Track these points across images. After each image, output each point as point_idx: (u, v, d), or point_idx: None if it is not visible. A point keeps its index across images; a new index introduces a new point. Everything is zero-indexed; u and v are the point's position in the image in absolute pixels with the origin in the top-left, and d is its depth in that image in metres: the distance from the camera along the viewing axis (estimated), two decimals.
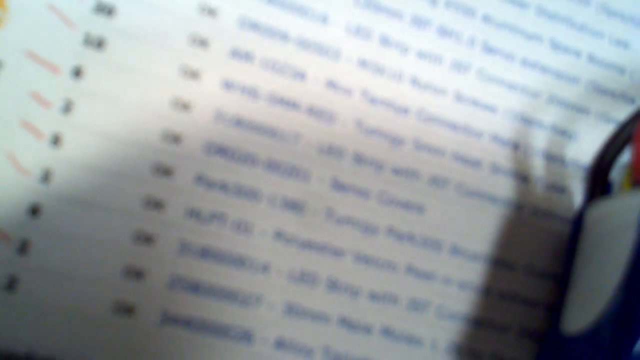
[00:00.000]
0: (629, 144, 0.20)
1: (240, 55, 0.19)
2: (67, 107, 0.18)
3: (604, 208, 0.19)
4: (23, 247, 0.17)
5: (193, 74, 0.19)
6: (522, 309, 0.20)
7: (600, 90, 0.22)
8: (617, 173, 0.20)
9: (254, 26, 0.19)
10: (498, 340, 0.20)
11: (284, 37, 0.20)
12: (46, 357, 0.16)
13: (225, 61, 0.19)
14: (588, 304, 0.18)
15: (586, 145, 0.22)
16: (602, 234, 0.19)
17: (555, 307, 0.20)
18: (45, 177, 0.17)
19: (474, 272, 0.20)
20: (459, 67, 0.21)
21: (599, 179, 0.20)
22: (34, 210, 0.17)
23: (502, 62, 0.21)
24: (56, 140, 0.17)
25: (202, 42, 0.19)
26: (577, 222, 0.20)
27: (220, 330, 0.18)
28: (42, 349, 0.16)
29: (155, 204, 0.18)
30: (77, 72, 0.18)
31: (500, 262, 0.20)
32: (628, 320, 0.16)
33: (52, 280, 0.17)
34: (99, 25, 0.18)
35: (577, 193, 0.21)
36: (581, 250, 0.20)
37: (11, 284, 0.16)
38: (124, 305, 0.17)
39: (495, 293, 0.20)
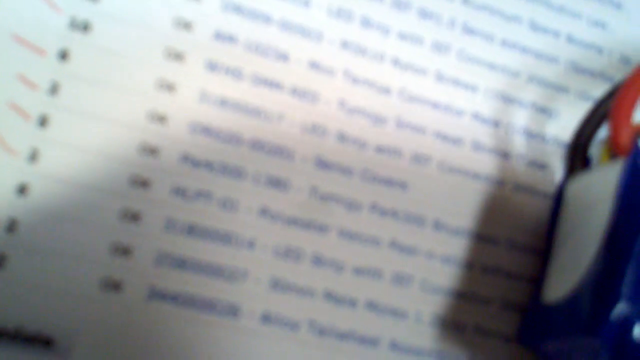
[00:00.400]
0: (606, 120, 0.20)
1: (224, 37, 0.19)
2: (54, 89, 0.18)
3: (583, 181, 0.20)
4: (11, 226, 0.17)
5: (177, 56, 0.19)
6: (504, 282, 0.20)
7: (579, 69, 0.23)
8: (596, 149, 0.21)
9: (237, 9, 0.20)
10: (481, 312, 0.20)
11: (266, 19, 0.20)
12: (35, 333, 0.17)
13: (209, 44, 0.19)
14: (567, 274, 0.18)
15: (566, 123, 0.22)
16: (582, 206, 0.19)
17: (536, 280, 0.20)
18: (33, 157, 0.17)
19: (457, 247, 0.20)
20: (440, 47, 0.21)
21: (578, 154, 0.21)
22: (22, 190, 0.17)
23: (482, 42, 0.22)
24: (43, 122, 0.18)
25: (186, 25, 0.19)
26: (558, 197, 0.21)
27: (206, 305, 0.18)
28: (31, 325, 0.17)
29: (142, 183, 0.18)
30: (63, 55, 0.18)
31: (483, 237, 0.21)
32: (605, 287, 0.17)
33: (39, 258, 0.17)
34: (84, 10, 0.18)
35: (558, 169, 0.22)
36: (562, 224, 0.20)
37: (0, 262, 0.17)
38: (111, 282, 0.17)
39: (478, 267, 0.20)
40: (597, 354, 0.17)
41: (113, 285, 0.17)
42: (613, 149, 0.19)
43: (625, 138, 0.18)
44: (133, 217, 0.18)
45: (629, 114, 0.18)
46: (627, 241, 0.17)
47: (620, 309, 0.16)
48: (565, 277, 0.18)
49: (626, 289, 0.16)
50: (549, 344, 0.18)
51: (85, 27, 0.18)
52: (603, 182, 0.19)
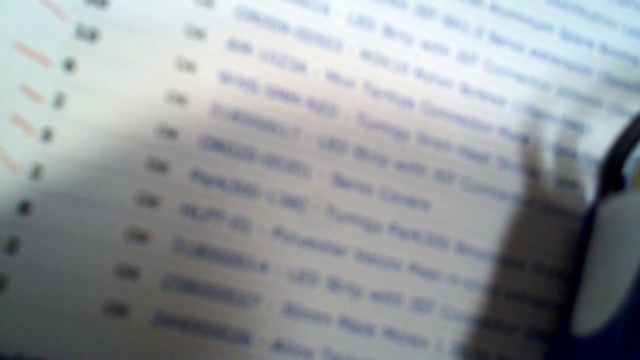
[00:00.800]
0: None
1: (238, 46, 0.18)
2: (59, 101, 0.17)
3: (617, 204, 0.19)
4: (12, 246, 0.16)
5: (189, 66, 0.18)
6: (530, 309, 0.19)
7: (613, 81, 0.21)
8: (631, 168, 0.20)
9: (252, 16, 0.19)
10: (505, 341, 0.19)
11: (283, 27, 0.19)
12: (36, 358, 0.16)
13: (222, 53, 0.18)
14: (600, 304, 0.17)
15: (598, 139, 0.21)
16: (616, 231, 0.18)
17: (565, 308, 0.19)
18: (36, 173, 0.17)
19: (481, 271, 0.19)
20: (466, 57, 0.20)
21: (612, 173, 0.19)
22: (24, 208, 0.16)
23: (510, 52, 0.21)
24: (47, 135, 0.17)
25: (198, 33, 0.18)
26: (589, 219, 0.19)
27: (216, 331, 0.17)
28: (31, 351, 0.16)
29: (150, 201, 0.17)
30: (69, 65, 0.17)
31: (509, 260, 0.19)
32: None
33: (42, 280, 0.16)
34: (92, 17, 0.17)
35: (589, 188, 0.20)
36: (593, 248, 0.19)
37: (0, 284, 0.16)
38: (116, 305, 0.17)
39: (502, 292, 0.19)
40: None
41: (118, 309, 0.17)
42: None
43: None
44: (140, 237, 0.17)
45: None
46: None
47: None
48: (598, 308, 0.17)
49: None
50: None
51: (92, 35, 0.17)
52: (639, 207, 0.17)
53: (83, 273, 0.16)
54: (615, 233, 0.18)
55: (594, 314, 0.17)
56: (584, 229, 0.19)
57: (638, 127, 0.19)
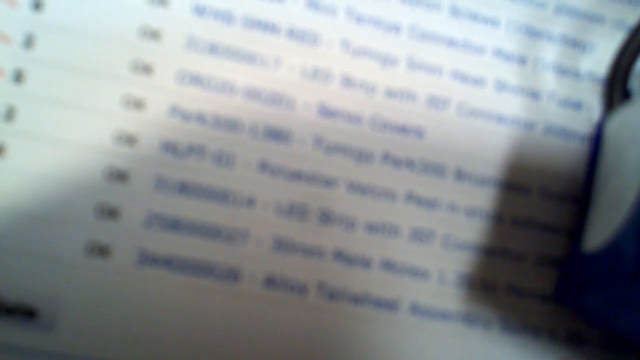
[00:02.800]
0: None
1: None
2: (29, 42, 0.16)
3: (624, 115, 0.17)
4: None
5: (161, 2, 0.17)
6: (538, 235, 0.18)
7: None
8: (637, 81, 0.18)
9: None
10: (513, 269, 0.18)
11: None
12: (17, 303, 0.15)
13: None
14: (609, 217, 0.16)
15: (602, 56, 0.20)
16: (624, 142, 0.17)
17: (575, 231, 0.18)
18: (9, 114, 0.16)
19: (483, 198, 0.18)
20: None
21: (616, 87, 0.18)
22: (0, 150, 0.16)
23: None
24: (18, 77, 0.16)
25: None
26: (597, 137, 0.18)
27: (203, 269, 0.16)
28: (11, 295, 0.15)
29: (127, 139, 0.17)
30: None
31: (512, 186, 0.18)
32: None
33: (20, 223, 0.16)
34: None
35: (595, 108, 0.19)
36: (602, 165, 0.18)
37: None
38: (97, 246, 0.16)
39: (508, 219, 0.18)
40: None
41: (100, 250, 0.16)
42: None
43: None
44: (119, 175, 0.16)
45: None
46: None
47: None
48: (607, 222, 0.16)
49: None
50: (591, 298, 0.16)
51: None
52: None
53: (62, 214, 0.16)
54: (624, 144, 0.17)
55: (603, 228, 0.16)
56: (593, 147, 0.18)
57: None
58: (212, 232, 0.16)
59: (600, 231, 0.16)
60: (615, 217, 0.16)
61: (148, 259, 0.16)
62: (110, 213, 0.16)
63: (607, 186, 0.17)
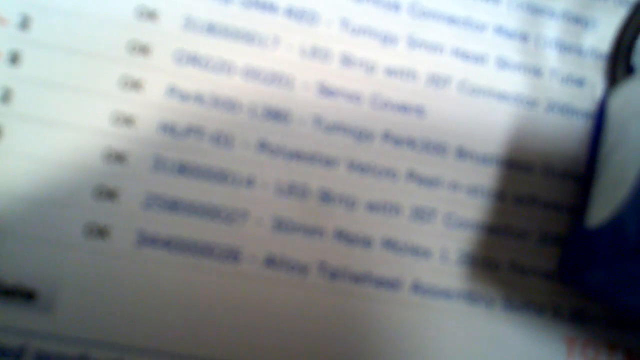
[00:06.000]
0: None
1: None
2: (24, 23, 0.16)
3: (627, 91, 0.17)
4: None
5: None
6: (541, 212, 0.18)
7: None
8: (639, 58, 0.18)
9: None
10: (516, 247, 0.18)
11: None
12: (15, 285, 0.15)
13: None
14: (612, 193, 0.16)
15: (605, 32, 0.19)
16: (627, 117, 0.17)
17: (578, 208, 0.18)
18: (6, 96, 0.16)
19: (485, 176, 0.18)
20: None
21: (620, 62, 0.18)
22: None
23: None
24: (14, 59, 0.16)
25: None
26: (600, 113, 0.18)
27: (203, 250, 0.16)
28: (10, 277, 0.15)
29: (125, 120, 0.16)
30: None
31: (515, 164, 0.18)
32: None
33: (18, 205, 0.15)
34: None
35: (598, 84, 0.19)
36: (605, 141, 0.17)
37: None
38: (96, 227, 0.16)
39: (510, 197, 0.18)
40: None
41: (99, 231, 0.16)
42: None
43: None
44: (117, 157, 0.16)
45: None
46: None
47: None
48: (610, 198, 0.16)
49: None
50: (593, 274, 0.16)
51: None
52: None
53: (60, 196, 0.16)
54: (627, 119, 0.17)
55: (606, 203, 0.16)
56: (596, 124, 0.18)
57: None
58: (211, 213, 0.16)
59: (603, 207, 0.16)
60: (618, 193, 0.15)
61: (147, 240, 0.16)
62: (109, 194, 0.16)
63: (610, 162, 0.17)
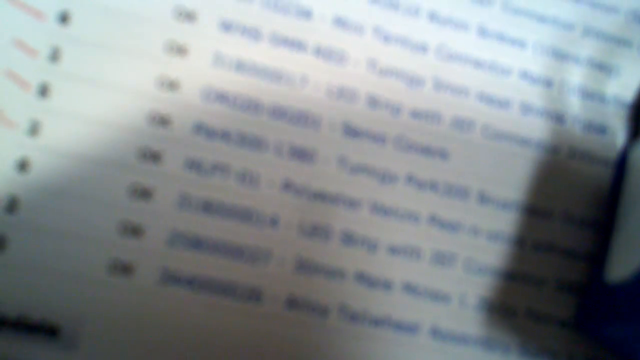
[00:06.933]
0: None
1: None
2: (54, 56, 0.16)
3: None
4: (12, 205, 0.16)
5: (188, 16, 0.17)
6: (560, 260, 0.18)
7: None
8: None
9: None
10: (534, 294, 0.18)
11: None
12: (39, 320, 0.15)
13: (223, 2, 0.17)
14: (634, 248, 0.16)
15: (629, 80, 0.19)
16: None
17: (597, 257, 0.18)
18: (33, 129, 0.16)
19: (505, 222, 0.18)
20: None
21: None
22: (23, 165, 0.16)
23: None
24: (44, 91, 0.16)
25: None
26: (621, 163, 0.18)
27: (225, 289, 0.16)
28: (34, 312, 0.15)
29: (152, 156, 0.16)
30: (64, 18, 0.16)
31: (535, 210, 0.18)
32: None
33: (43, 239, 0.16)
34: None
35: (620, 133, 0.19)
36: (626, 193, 0.17)
37: (0, 244, 0.15)
38: (120, 264, 0.16)
39: (529, 244, 0.18)
40: None
41: (123, 268, 0.16)
42: None
43: None
44: (143, 193, 0.16)
45: None
46: None
47: None
48: (633, 253, 0.16)
49: None
50: (613, 329, 0.16)
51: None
52: None
53: (85, 231, 0.16)
54: None
55: (627, 259, 0.16)
56: (616, 174, 0.18)
57: None
58: (234, 252, 0.16)
59: (624, 262, 0.16)
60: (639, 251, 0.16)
61: (171, 278, 0.16)
62: (134, 231, 0.16)
63: (631, 216, 0.17)
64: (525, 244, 0.18)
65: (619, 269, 0.16)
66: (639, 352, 0.16)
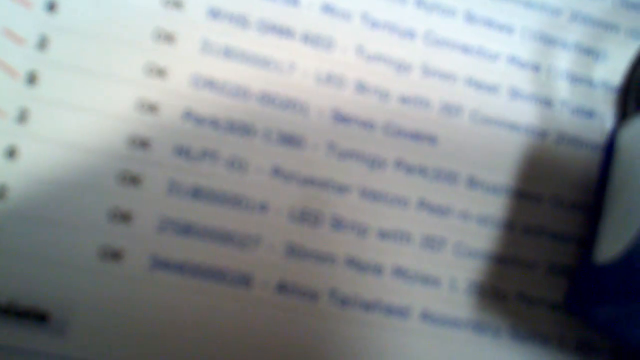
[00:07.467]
0: None
1: None
2: (42, 44, 0.16)
3: (637, 126, 0.17)
4: (0, 193, 0.16)
5: (176, 4, 0.17)
6: (549, 243, 0.18)
7: (629, 4, 0.20)
8: None
9: None
10: (524, 278, 0.18)
11: None
12: (29, 306, 0.15)
13: None
14: (623, 229, 0.16)
15: (616, 65, 0.19)
16: (638, 153, 0.17)
17: (587, 239, 0.18)
18: (22, 117, 0.16)
19: (495, 206, 0.18)
20: None
21: (631, 96, 0.18)
22: (11, 153, 0.16)
23: None
24: (32, 79, 0.16)
25: None
26: (609, 146, 0.18)
27: (215, 275, 0.16)
28: (24, 299, 0.15)
29: (141, 143, 0.16)
30: (52, 6, 0.17)
31: (524, 194, 0.18)
32: None
33: (33, 227, 0.16)
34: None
35: (608, 116, 0.19)
36: (614, 175, 0.18)
37: None
38: (110, 251, 0.16)
39: (519, 228, 0.18)
40: None
41: (112, 255, 0.16)
42: None
43: None
44: (132, 180, 0.16)
45: None
46: None
47: None
48: (621, 234, 0.16)
49: None
50: (602, 310, 0.16)
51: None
52: None
53: (75, 218, 0.16)
54: (637, 155, 0.17)
55: (616, 240, 0.16)
56: (605, 157, 0.18)
57: None
58: (224, 238, 0.16)
59: (613, 243, 0.16)
60: (629, 230, 0.16)
61: (160, 264, 0.16)
62: (123, 217, 0.16)
63: (619, 198, 0.17)
64: (515, 227, 0.18)
65: (607, 250, 0.16)
66: (628, 333, 0.16)
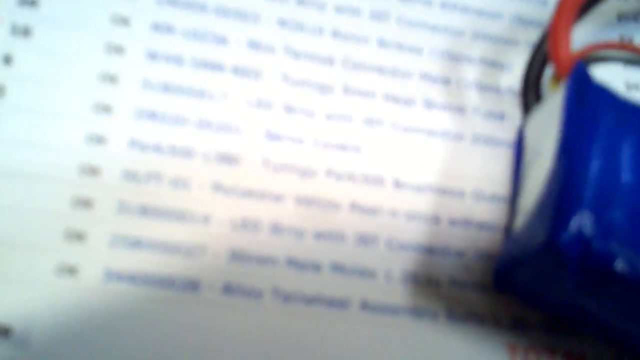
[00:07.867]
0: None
1: (162, 28, 0.20)
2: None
3: (537, 115, 0.20)
4: None
5: (117, 49, 0.20)
6: (476, 233, 0.20)
7: (525, 22, 0.23)
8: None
9: (172, 2, 0.20)
10: (455, 265, 0.19)
11: (202, 8, 0.21)
12: None
13: (147, 36, 0.20)
14: (529, 202, 0.18)
15: (520, 73, 0.22)
16: (539, 137, 0.19)
17: (507, 225, 0.19)
18: None
19: (421, 203, 0.20)
20: (379, 16, 0.22)
21: (530, 92, 0.20)
22: None
23: (420, 8, 0.22)
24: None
25: (124, 20, 0.20)
26: (519, 139, 0.20)
27: (165, 282, 0.18)
28: None
29: (91, 171, 0.18)
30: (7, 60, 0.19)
31: (447, 191, 0.20)
32: (563, 198, 0.16)
33: None
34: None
35: (517, 117, 0.21)
36: (525, 161, 0.19)
37: None
38: (66, 267, 0.17)
39: (445, 221, 0.20)
40: (564, 277, 0.16)
41: (68, 270, 0.17)
42: (557, 72, 0.19)
43: (564, 54, 0.18)
44: (85, 203, 0.18)
45: (565, 33, 0.18)
46: (578, 151, 0.16)
47: (580, 218, 0.15)
48: (527, 206, 0.18)
49: (587, 197, 0.16)
50: (520, 277, 0.17)
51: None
52: (553, 105, 0.18)
53: (31, 240, 0.17)
54: (539, 139, 0.19)
55: (524, 212, 0.18)
56: (516, 150, 0.20)
57: (545, 45, 0.20)
58: (172, 249, 0.18)
59: (522, 216, 0.18)
60: (533, 200, 0.17)
61: (113, 276, 0.18)
62: (78, 236, 0.18)
63: (528, 178, 0.19)
64: (441, 221, 0.20)
65: (518, 223, 0.18)
66: (541, 296, 0.17)
